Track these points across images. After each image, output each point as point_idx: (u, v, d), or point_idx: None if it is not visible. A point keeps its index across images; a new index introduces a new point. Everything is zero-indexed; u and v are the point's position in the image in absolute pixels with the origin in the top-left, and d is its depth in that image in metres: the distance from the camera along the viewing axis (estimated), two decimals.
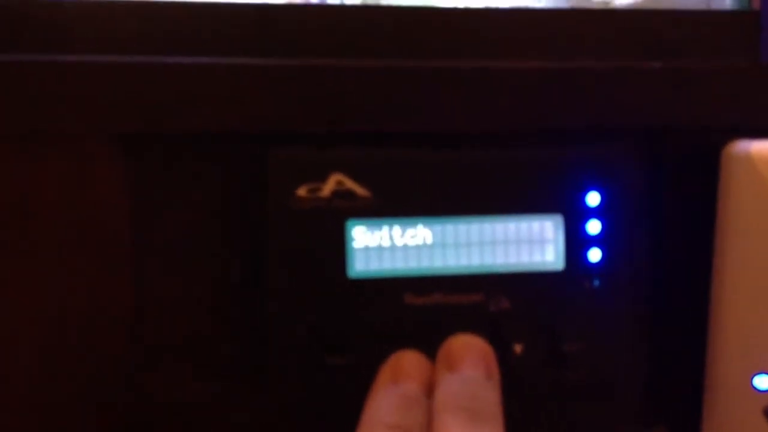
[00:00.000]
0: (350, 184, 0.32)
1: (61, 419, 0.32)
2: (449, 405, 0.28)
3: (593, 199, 0.33)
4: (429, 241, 0.33)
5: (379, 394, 0.29)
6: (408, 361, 0.31)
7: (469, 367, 0.30)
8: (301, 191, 0.31)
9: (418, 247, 0.33)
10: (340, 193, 0.32)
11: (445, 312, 0.33)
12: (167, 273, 0.33)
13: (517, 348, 0.33)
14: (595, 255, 0.33)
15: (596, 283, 0.34)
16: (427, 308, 0.33)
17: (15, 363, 0.31)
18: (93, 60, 0.30)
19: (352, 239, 0.32)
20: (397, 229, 0.32)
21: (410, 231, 0.32)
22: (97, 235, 0.31)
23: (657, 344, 0.36)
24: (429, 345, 0.32)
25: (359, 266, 0.32)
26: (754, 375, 0.34)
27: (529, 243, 0.33)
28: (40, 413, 0.32)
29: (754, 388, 0.34)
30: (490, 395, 0.29)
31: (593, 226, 0.33)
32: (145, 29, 0.33)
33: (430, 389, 0.30)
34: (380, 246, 0.32)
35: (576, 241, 0.33)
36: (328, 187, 0.32)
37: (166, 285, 0.33)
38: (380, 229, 0.32)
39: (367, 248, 0.32)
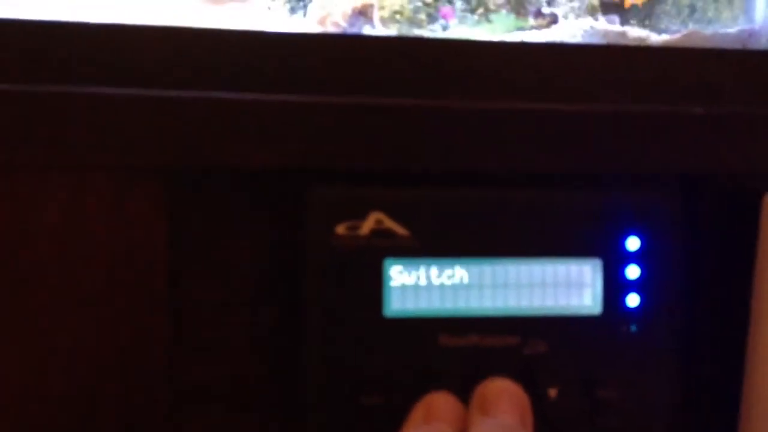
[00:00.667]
0: (389, 222, 0.32)
1: None
2: None
3: (633, 244, 0.33)
4: (466, 281, 0.32)
5: (410, 430, 0.29)
6: (441, 403, 0.30)
7: (505, 412, 0.29)
8: (340, 229, 0.31)
9: (454, 288, 0.32)
10: (379, 232, 0.31)
11: (479, 354, 0.32)
12: (203, 310, 0.32)
13: (552, 392, 0.33)
14: (633, 300, 0.33)
15: (634, 328, 0.33)
16: (462, 349, 0.32)
17: (46, 399, 0.31)
18: (134, 93, 0.30)
19: (390, 278, 0.32)
20: (434, 269, 0.32)
21: (447, 271, 0.32)
22: (134, 270, 0.31)
23: (691, 392, 0.35)
24: (463, 387, 0.31)
25: (395, 305, 0.32)
26: None
27: (566, 286, 0.33)
28: None
29: None
30: None
31: (632, 271, 0.33)
32: (186, 62, 0.33)
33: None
34: (417, 285, 0.32)
35: (614, 286, 0.33)
36: (367, 226, 0.31)
37: (202, 323, 0.33)
38: (417, 269, 0.32)
39: (403, 287, 0.32)
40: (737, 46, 0.46)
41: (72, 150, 0.29)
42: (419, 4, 0.47)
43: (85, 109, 0.29)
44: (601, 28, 0.47)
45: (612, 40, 0.46)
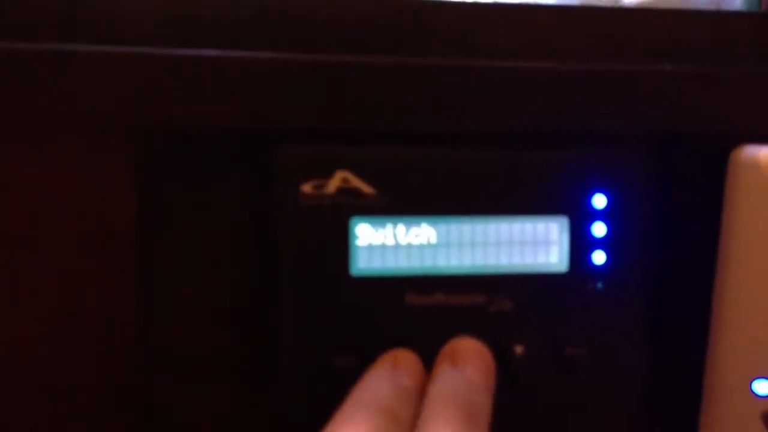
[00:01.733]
0: (355, 181, 0.31)
1: (67, 420, 0.32)
2: (446, 399, 0.28)
3: (599, 201, 0.33)
4: (432, 240, 0.32)
5: (373, 378, 0.29)
6: (406, 358, 0.31)
7: (473, 369, 0.30)
8: (306, 188, 0.31)
9: (421, 246, 0.32)
10: (345, 191, 0.31)
11: (446, 312, 0.33)
12: (173, 272, 0.32)
13: (518, 349, 0.33)
14: (599, 258, 0.33)
15: (600, 285, 0.33)
16: (429, 308, 0.32)
17: (16, 368, 0.31)
18: (99, 50, 0.29)
19: (356, 237, 0.32)
20: (401, 228, 0.32)
21: (414, 230, 0.32)
22: (103, 231, 0.31)
23: (658, 348, 0.36)
24: (429, 345, 0.32)
25: (362, 264, 0.32)
26: (754, 380, 0.34)
27: (533, 244, 0.33)
28: (46, 415, 0.31)
29: (754, 393, 0.34)
30: (485, 401, 0.29)
31: (598, 229, 0.33)
32: (152, 19, 0.32)
33: (421, 393, 0.29)
34: (384, 244, 0.32)
35: (581, 244, 0.33)
36: (333, 184, 0.31)
37: (172, 284, 0.32)
38: (384, 227, 0.32)
39: (370, 246, 0.32)
40: (711, 7, 0.46)
41: (36, 111, 0.29)
42: None
43: (49, 68, 0.29)
44: None
45: (585, 1, 0.45)
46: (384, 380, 0.29)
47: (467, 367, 0.30)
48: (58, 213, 0.30)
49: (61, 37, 0.31)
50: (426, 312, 0.32)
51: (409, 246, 0.32)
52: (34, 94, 0.29)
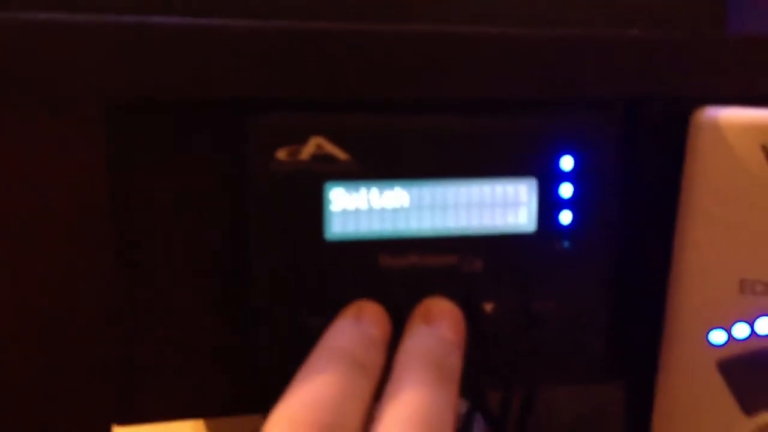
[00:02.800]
0: (329, 147, 0.32)
1: (37, 384, 0.32)
2: (418, 355, 0.29)
3: (567, 163, 0.34)
4: (405, 203, 0.33)
5: (339, 327, 0.30)
6: (371, 309, 0.32)
7: (446, 328, 0.31)
8: (281, 154, 0.31)
9: (394, 210, 0.33)
10: (319, 157, 0.32)
11: (419, 274, 0.33)
12: (146, 239, 0.32)
13: (488, 307, 0.34)
14: (566, 217, 0.34)
15: (566, 244, 0.35)
16: (402, 270, 0.33)
17: None
18: (67, 20, 0.29)
19: (330, 202, 0.32)
20: (374, 192, 0.33)
21: (387, 194, 0.33)
22: (75, 203, 0.31)
23: (622, 303, 0.37)
24: (403, 306, 0.33)
25: (336, 228, 0.32)
26: (710, 330, 0.36)
27: (503, 206, 0.34)
28: (27, 396, 0.32)
29: (710, 342, 0.36)
30: (456, 359, 0.30)
31: (566, 190, 0.34)
32: None
33: (387, 344, 0.30)
34: (357, 209, 0.33)
35: (548, 204, 0.34)
36: (307, 150, 0.32)
37: (145, 251, 0.32)
38: (358, 192, 0.32)
39: (344, 211, 0.32)
40: None
41: (2, 83, 0.29)
42: None
43: (17, 38, 0.28)
44: None
45: None
46: (347, 329, 0.30)
47: (439, 326, 0.31)
48: (28, 187, 0.30)
49: (30, 5, 0.30)
50: (400, 274, 0.33)
51: (383, 210, 0.33)
52: (1, 65, 0.28)
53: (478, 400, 0.60)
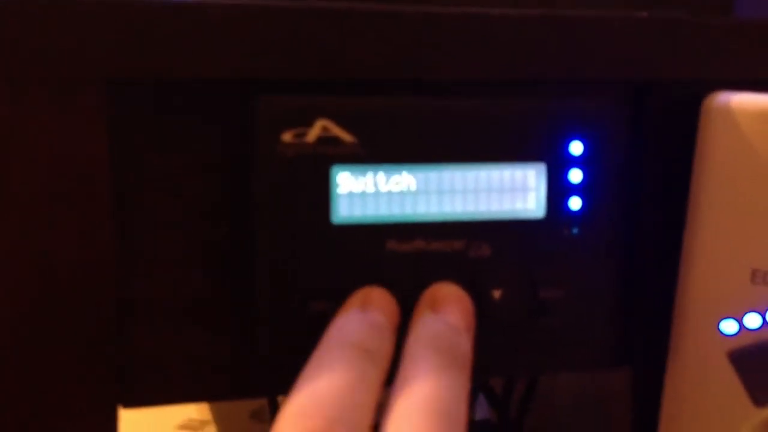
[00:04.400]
0: (336, 130, 0.31)
1: (42, 367, 0.32)
2: (427, 343, 0.29)
3: (576, 148, 0.33)
4: (413, 187, 0.33)
5: (345, 317, 0.30)
6: (378, 295, 0.31)
7: (454, 314, 0.30)
8: (287, 136, 0.31)
9: (401, 194, 0.33)
10: (326, 139, 0.31)
11: (426, 258, 0.33)
12: (149, 222, 0.32)
13: (496, 294, 0.34)
14: (575, 203, 0.34)
15: (575, 231, 0.34)
16: (409, 255, 0.33)
17: None
18: None
19: (337, 185, 0.32)
20: (381, 176, 0.32)
21: (394, 177, 0.32)
22: (77, 184, 0.30)
23: (632, 291, 0.37)
24: (410, 292, 0.32)
25: (343, 212, 0.32)
26: (722, 320, 0.35)
27: (511, 191, 0.33)
28: (20, 363, 0.31)
29: (721, 332, 0.35)
30: (466, 345, 0.29)
31: (575, 176, 0.34)
32: None
33: (396, 330, 0.30)
34: (364, 192, 0.32)
35: (557, 190, 0.34)
36: (313, 133, 0.31)
37: (151, 235, 0.32)
38: (365, 176, 0.32)
39: (351, 194, 0.32)
40: None
41: (6, 60, 0.28)
42: None
43: (19, 17, 0.28)
44: None
45: None
46: (354, 319, 0.29)
47: (447, 312, 0.31)
48: (30, 161, 0.30)
49: None
50: (406, 258, 0.33)
51: (390, 194, 0.32)
52: (4, 43, 0.28)
53: (481, 382, 0.60)
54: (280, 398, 0.58)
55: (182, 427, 0.77)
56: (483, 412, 0.70)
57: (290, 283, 0.32)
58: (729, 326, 0.35)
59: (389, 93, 0.32)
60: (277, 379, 0.35)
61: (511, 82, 0.33)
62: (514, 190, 0.33)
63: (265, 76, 0.30)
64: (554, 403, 0.64)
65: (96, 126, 0.30)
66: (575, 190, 0.34)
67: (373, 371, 0.27)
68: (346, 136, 0.32)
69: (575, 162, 0.34)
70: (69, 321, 0.31)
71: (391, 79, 0.32)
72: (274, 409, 0.53)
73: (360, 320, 0.30)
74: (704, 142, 0.34)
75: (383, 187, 0.32)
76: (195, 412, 0.78)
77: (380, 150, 0.32)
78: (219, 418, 0.74)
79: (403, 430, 0.25)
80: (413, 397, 0.26)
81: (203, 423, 0.77)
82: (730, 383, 0.36)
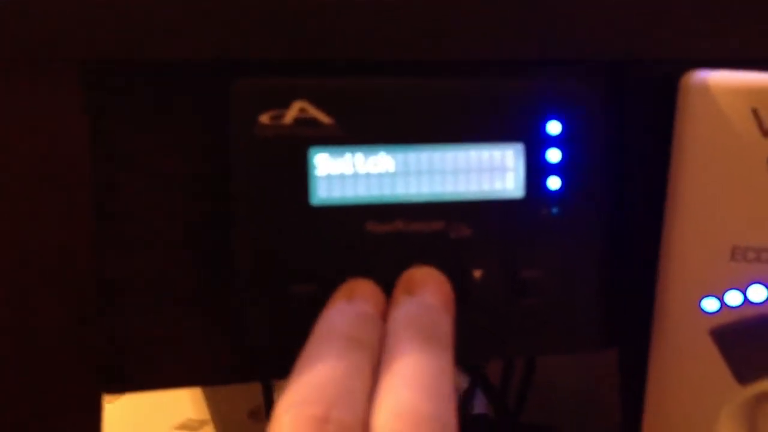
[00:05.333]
0: (313, 111, 0.32)
1: (24, 356, 0.32)
2: (406, 324, 0.29)
3: (554, 128, 0.34)
4: (391, 169, 0.33)
5: (332, 310, 0.30)
6: (363, 286, 0.32)
7: (429, 294, 0.31)
8: (264, 118, 0.31)
9: (380, 175, 0.33)
10: (303, 121, 0.32)
11: (406, 240, 0.33)
12: (130, 206, 0.32)
13: (477, 274, 0.34)
14: (554, 183, 0.34)
15: (555, 210, 0.34)
16: (389, 236, 0.33)
17: None
18: None
19: (315, 167, 0.32)
20: (359, 157, 0.32)
21: (373, 159, 0.33)
22: (55, 166, 0.31)
23: (613, 270, 0.37)
24: (390, 273, 0.32)
25: (322, 194, 0.32)
26: (703, 297, 0.35)
27: (490, 171, 0.34)
28: (0, 353, 0.32)
29: (702, 310, 0.35)
30: (445, 324, 0.30)
31: (553, 155, 0.34)
32: None
33: (383, 317, 0.30)
34: (343, 174, 0.32)
35: (536, 170, 0.34)
36: (290, 114, 0.31)
37: (131, 220, 0.33)
38: (343, 157, 0.32)
39: (329, 176, 0.32)
40: None
41: None
42: None
43: None
44: None
45: None
46: (340, 311, 0.30)
47: (424, 293, 0.31)
48: (7, 145, 0.30)
49: None
50: (387, 240, 0.33)
51: (368, 175, 0.33)
52: None
53: (479, 377, 0.60)
54: (276, 396, 0.58)
55: (180, 427, 0.77)
56: (480, 407, 0.70)
57: (271, 266, 0.32)
58: (710, 304, 0.35)
59: (366, 74, 0.32)
60: (261, 363, 0.35)
61: (489, 62, 0.33)
62: (493, 170, 0.34)
63: (242, 57, 0.31)
64: (551, 396, 0.64)
65: (74, 109, 0.30)
66: (554, 169, 0.34)
67: (364, 359, 0.28)
68: (323, 118, 0.32)
69: (553, 141, 0.34)
70: (50, 308, 0.32)
71: (368, 60, 0.32)
72: (270, 408, 0.53)
73: (347, 311, 0.30)
74: (682, 120, 0.34)
75: (361, 169, 0.33)
76: (193, 412, 0.78)
77: (358, 131, 0.32)
78: (217, 418, 0.74)
79: (391, 406, 0.25)
80: (398, 375, 0.26)
81: (201, 423, 0.77)
82: (713, 361, 0.36)
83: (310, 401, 0.25)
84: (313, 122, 0.32)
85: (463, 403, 0.63)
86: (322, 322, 0.29)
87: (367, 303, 0.31)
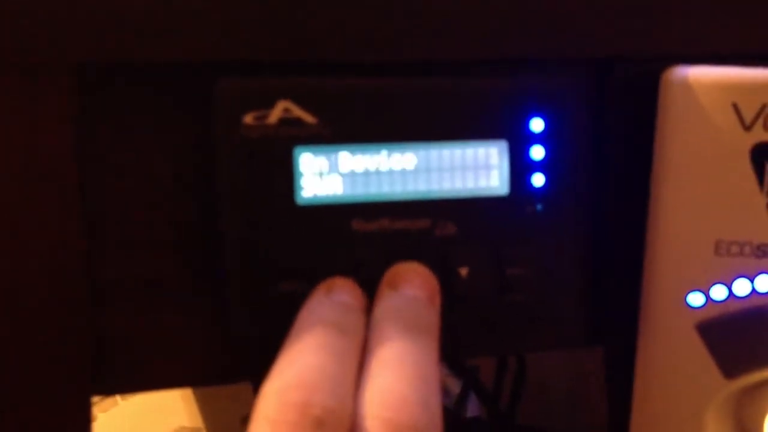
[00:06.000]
0: (297, 111, 0.32)
1: (13, 356, 0.32)
2: (390, 315, 0.29)
3: (537, 125, 0.34)
4: (376, 167, 0.33)
5: (311, 302, 0.30)
6: (342, 282, 0.32)
7: (414, 288, 0.31)
8: (248, 119, 0.31)
9: (365, 174, 0.33)
10: (288, 120, 0.32)
11: (392, 238, 0.33)
12: (116, 207, 0.33)
13: (463, 271, 0.34)
14: (538, 180, 0.34)
15: (539, 207, 0.34)
16: (375, 234, 0.33)
17: None
18: None
19: (300, 166, 0.32)
20: (344, 156, 0.33)
21: (357, 157, 0.33)
22: (43, 168, 0.31)
23: (597, 267, 0.37)
24: (377, 271, 0.33)
25: (307, 193, 0.33)
26: (688, 292, 0.36)
27: (474, 169, 0.34)
28: None
29: (688, 305, 0.36)
30: (430, 315, 0.30)
31: (537, 152, 0.34)
32: None
33: (365, 310, 0.30)
34: (328, 173, 0.33)
35: (520, 167, 0.34)
36: (275, 114, 0.32)
37: (119, 221, 0.33)
38: (327, 156, 0.33)
39: (314, 175, 0.32)
40: None
41: None
42: None
43: None
44: None
45: None
46: (322, 301, 0.30)
47: (408, 287, 0.31)
48: None
49: None
50: (373, 238, 0.33)
51: (353, 173, 0.33)
52: None
53: (471, 380, 0.60)
54: None
55: None
56: (474, 409, 0.70)
57: (259, 265, 0.33)
58: (696, 299, 0.36)
59: (350, 73, 0.33)
60: (249, 363, 0.35)
61: (471, 61, 0.34)
62: (477, 168, 0.34)
63: (226, 58, 0.31)
64: (544, 398, 0.64)
65: (61, 111, 0.30)
66: (538, 166, 0.34)
67: (347, 346, 0.28)
68: (307, 117, 0.32)
69: (537, 139, 0.34)
70: (39, 308, 0.32)
71: (352, 60, 0.32)
72: None
73: (326, 301, 0.30)
74: (664, 115, 0.35)
75: (346, 167, 0.33)
76: (186, 419, 0.78)
77: (342, 130, 0.32)
78: (210, 425, 0.74)
79: (376, 392, 0.25)
80: (383, 361, 0.26)
81: (195, 430, 0.77)
82: (699, 356, 0.36)
83: (294, 387, 0.25)
84: (298, 122, 0.32)
85: (456, 407, 0.63)
86: (303, 311, 0.30)
87: (347, 295, 0.31)
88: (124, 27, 0.30)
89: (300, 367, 0.26)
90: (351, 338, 0.28)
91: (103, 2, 0.29)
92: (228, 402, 0.72)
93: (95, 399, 0.55)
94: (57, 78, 0.30)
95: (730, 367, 0.36)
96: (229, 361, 0.34)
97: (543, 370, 0.63)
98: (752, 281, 0.35)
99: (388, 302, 0.30)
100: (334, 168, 0.33)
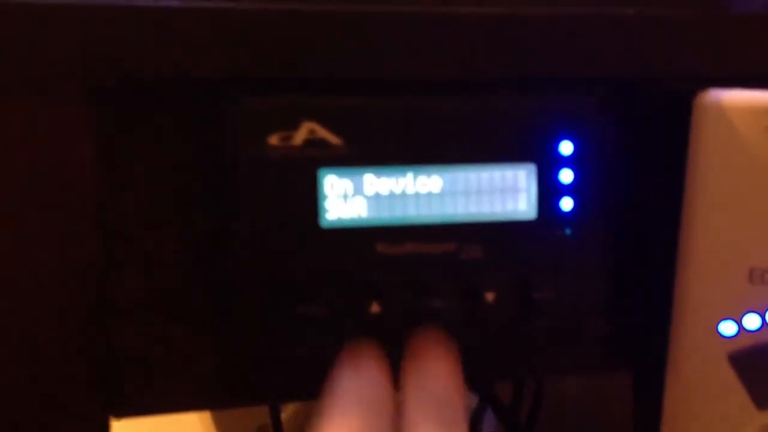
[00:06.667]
0: (322, 132, 0.31)
1: (30, 371, 0.31)
2: (419, 411, 0.28)
3: (566, 148, 0.33)
4: (401, 189, 0.32)
5: (343, 378, 0.29)
6: (368, 351, 0.31)
7: (439, 371, 0.30)
8: (273, 140, 0.31)
9: (390, 196, 0.32)
10: (313, 142, 0.31)
11: (417, 262, 0.33)
12: (134, 224, 0.32)
13: (489, 296, 0.33)
14: (567, 204, 0.34)
15: (568, 231, 0.34)
16: (400, 258, 0.33)
17: None
18: (48, 2, 0.28)
19: (325, 188, 0.32)
20: (369, 178, 0.32)
21: (383, 180, 0.32)
22: (60, 185, 0.30)
23: (626, 292, 0.36)
24: (401, 296, 0.32)
25: (331, 215, 0.32)
26: (720, 321, 0.35)
27: (501, 192, 0.33)
28: (5, 374, 0.31)
29: (720, 334, 0.35)
30: (458, 401, 0.29)
31: (565, 176, 0.33)
32: None
33: (390, 378, 0.30)
34: (353, 195, 0.32)
35: (548, 191, 0.33)
36: (300, 136, 0.31)
37: (135, 238, 0.32)
38: (352, 178, 0.32)
39: (339, 197, 0.32)
40: None
41: None
42: None
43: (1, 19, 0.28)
44: None
45: None
46: (348, 380, 0.29)
47: (430, 370, 0.30)
48: (12, 163, 0.30)
49: None
50: (397, 261, 0.33)
51: (378, 196, 0.32)
52: None
53: (488, 395, 0.59)
54: (283, 415, 0.57)
55: None
56: (490, 425, 0.69)
57: (279, 287, 0.32)
58: (728, 328, 0.35)
59: (375, 93, 0.32)
60: (267, 386, 0.35)
61: (500, 82, 0.33)
62: (505, 191, 0.33)
63: (247, 76, 0.30)
64: (562, 415, 0.63)
65: (78, 128, 0.30)
66: (566, 190, 0.33)
67: (378, 420, 0.27)
68: (332, 138, 0.31)
69: (565, 162, 0.33)
70: (54, 328, 0.31)
71: (377, 79, 0.32)
72: (277, 427, 0.53)
73: (357, 378, 0.29)
74: (697, 140, 0.34)
75: (371, 190, 0.32)
76: (201, 430, 0.77)
77: (368, 152, 0.32)
78: None
79: None
80: None
81: None
82: (731, 386, 0.35)
83: None
84: (323, 143, 0.31)
85: (473, 422, 0.63)
86: (336, 387, 0.29)
87: (373, 368, 0.30)
88: (140, 45, 0.29)
89: None
90: (382, 413, 0.28)
91: (122, 21, 0.29)
92: (242, 413, 0.72)
93: None
94: (75, 96, 0.30)
95: (762, 398, 0.35)
96: (249, 386, 0.34)
97: (561, 384, 0.62)
98: None
99: (417, 390, 0.29)
100: (358, 190, 0.32)
